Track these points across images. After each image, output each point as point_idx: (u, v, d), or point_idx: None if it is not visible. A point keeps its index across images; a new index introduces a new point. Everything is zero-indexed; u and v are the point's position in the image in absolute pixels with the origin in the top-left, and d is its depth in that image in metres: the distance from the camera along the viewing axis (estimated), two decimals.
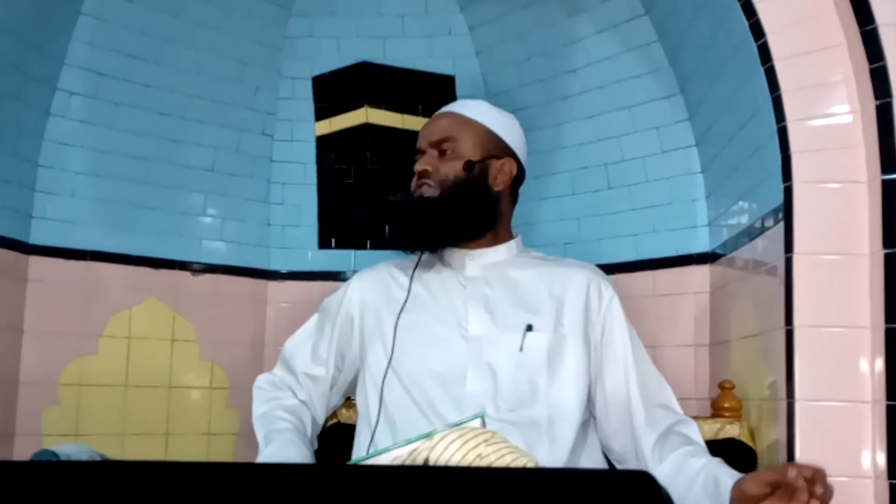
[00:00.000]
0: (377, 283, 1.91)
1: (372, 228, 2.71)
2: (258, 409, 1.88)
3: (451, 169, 1.82)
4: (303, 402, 1.89)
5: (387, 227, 1.89)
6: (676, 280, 2.31)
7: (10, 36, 2.10)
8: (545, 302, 1.80)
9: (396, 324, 1.80)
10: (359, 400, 1.89)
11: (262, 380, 1.94)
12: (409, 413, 1.73)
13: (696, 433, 1.72)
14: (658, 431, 1.71)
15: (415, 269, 1.87)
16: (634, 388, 1.75)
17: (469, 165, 1.82)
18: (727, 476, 1.53)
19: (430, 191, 1.82)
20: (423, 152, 1.87)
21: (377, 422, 1.76)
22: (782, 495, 1.40)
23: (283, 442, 1.76)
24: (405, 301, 1.83)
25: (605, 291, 1.83)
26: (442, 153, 1.84)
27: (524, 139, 1.94)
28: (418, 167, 1.85)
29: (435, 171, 1.82)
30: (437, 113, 1.95)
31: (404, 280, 1.87)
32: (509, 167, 1.87)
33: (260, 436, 1.82)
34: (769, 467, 1.73)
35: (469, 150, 1.84)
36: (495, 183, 1.85)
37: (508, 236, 1.90)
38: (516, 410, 1.70)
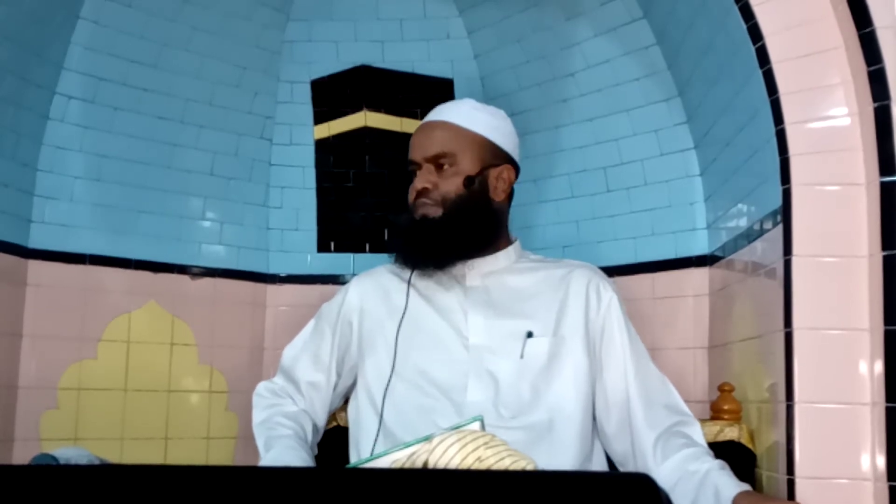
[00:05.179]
0: (376, 289, 1.89)
1: (371, 232, 2.71)
2: (258, 416, 1.87)
3: (452, 186, 1.78)
4: (303, 410, 1.89)
5: (389, 245, 1.85)
6: (675, 283, 2.31)
7: (9, 40, 2.10)
8: (545, 306, 1.80)
9: (398, 333, 1.79)
10: (352, 406, 1.88)
11: (261, 387, 1.94)
12: (409, 421, 1.73)
13: (699, 434, 1.71)
14: (658, 431, 1.70)
15: (411, 277, 1.85)
16: (633, 388, 1.75)
17: (469, 181, 1.79)
18: (728, 487, 1.53)
19: (432, 210, 1.78)
20: (418, 165, 1.82)
21: (378, 430, 1.75)
22: None
23: (283, 448, 1.75)
24: (405, 310, 1.82)
25: (605, 292, 1.82)
26: (439, 167, 1.80)
27: (516, 136, 1.91)
28: (417, 185, 1.80)
29: (435, 189, 1.79)
30: (427, 120, 1.88)
31: (403, 287, 1.86)
32: (507, 174, 1.85)
33: (260, 443, 1.81)
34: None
35: (468, 164, 1.80)
36: (496, 193, 1.83)
37: (507, 242, 1.89)
38: (518, 417, 1.70)
